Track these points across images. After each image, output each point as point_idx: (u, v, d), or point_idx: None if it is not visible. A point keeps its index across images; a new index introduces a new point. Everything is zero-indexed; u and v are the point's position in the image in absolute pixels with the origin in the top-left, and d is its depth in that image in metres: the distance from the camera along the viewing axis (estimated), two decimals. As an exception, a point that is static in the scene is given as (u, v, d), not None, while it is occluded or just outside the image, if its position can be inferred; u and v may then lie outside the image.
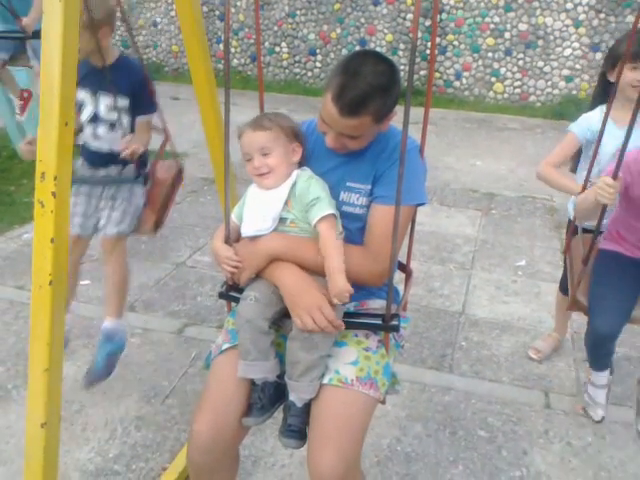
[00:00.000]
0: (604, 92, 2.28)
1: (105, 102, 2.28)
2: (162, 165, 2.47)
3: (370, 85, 1.39)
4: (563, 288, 2.74)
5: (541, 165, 2.41)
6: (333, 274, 1.40)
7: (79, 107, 2.29)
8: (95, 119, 2.31)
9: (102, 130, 2.32)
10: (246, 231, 1.54)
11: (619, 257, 2.18)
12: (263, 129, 1.52)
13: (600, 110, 2.28)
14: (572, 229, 2.35)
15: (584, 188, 2.17)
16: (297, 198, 1.50)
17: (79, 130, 2.34)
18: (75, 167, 2.41)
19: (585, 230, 2.31)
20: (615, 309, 2.05)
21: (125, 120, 2.29)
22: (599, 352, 2.25)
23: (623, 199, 2.09)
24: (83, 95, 2.29)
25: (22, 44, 4.69)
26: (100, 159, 2.38)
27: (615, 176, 1.80)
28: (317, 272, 1.47)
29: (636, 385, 2.43)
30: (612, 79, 2.21)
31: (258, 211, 1.53)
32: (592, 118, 2.32)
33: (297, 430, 1.47)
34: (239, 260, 1.51)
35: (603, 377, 2.33)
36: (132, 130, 2.32)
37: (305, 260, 1.48)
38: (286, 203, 1.51)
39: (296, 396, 1.48)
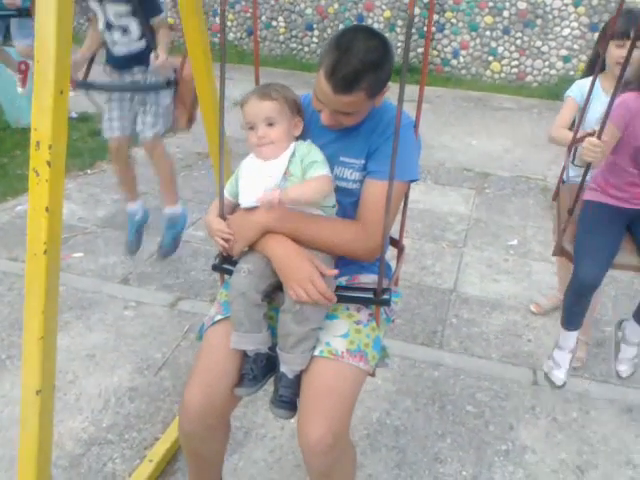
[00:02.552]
0: (596, 65, 2.40)
1: (112, 10, 2.58)
2: (188, 65, 2.66)
3: (362, 61, 1.39)
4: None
5: (552, 129, 2.55)
6: (285, 191, 1.44)
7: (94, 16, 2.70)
8: (109, 27, 2.67)
9: (117, 36, 2.66)
10: (246, 202, 1.53)
11: (603, 207, 2.25)
12: (270, 99, 1.50)
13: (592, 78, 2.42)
14: (560, 179, 2.48)
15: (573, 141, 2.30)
16: (297, 162, 1.50)
17: (101, 44, 2.80)
18: (105, 73, 2.90)
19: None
20: (599, 258, 2.10)
21: (133, 24, 2.59)
22: (578, 305, 2.24)
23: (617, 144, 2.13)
24: (94, 5, 2.64)
25: (7, 23, 4.83)
26: (122, 62, 2.76)
27: (599, 136, 1.89)
28: (310, 244, 1.49)
29: (614, 328, 2.46)
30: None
31: (258, 182, 1.52)
32: (584, 85, 2.45)
33: (288, 401, 1.50)
34: (231, 232, 1.52)
35: (572, 338, 2.32)
36: (143, 35, 2.60)
37: (298, 232, 1.49)
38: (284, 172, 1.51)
39: (287, 367, 1.50)
